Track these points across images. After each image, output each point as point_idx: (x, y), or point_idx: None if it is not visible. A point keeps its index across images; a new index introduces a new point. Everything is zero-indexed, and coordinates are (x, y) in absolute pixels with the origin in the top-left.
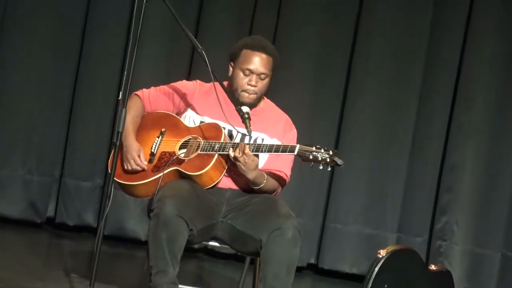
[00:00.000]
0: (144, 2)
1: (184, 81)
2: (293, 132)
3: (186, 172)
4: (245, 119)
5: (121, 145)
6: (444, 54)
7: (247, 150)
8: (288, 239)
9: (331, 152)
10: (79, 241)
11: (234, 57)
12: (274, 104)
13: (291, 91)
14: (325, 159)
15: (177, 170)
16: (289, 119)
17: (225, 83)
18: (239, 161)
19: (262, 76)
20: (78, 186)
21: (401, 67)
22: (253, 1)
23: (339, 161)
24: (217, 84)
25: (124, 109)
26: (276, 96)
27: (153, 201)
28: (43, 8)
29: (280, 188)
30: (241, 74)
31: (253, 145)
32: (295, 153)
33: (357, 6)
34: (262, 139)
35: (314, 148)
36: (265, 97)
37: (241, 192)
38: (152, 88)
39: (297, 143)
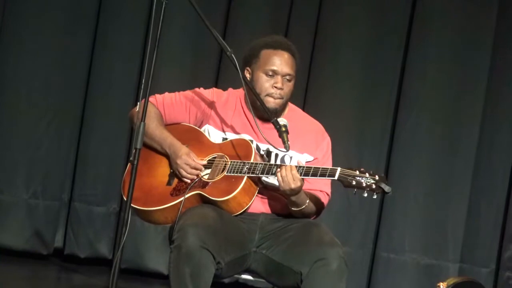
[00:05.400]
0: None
1: (201, 89)
2: (326, 142)
3: (210, 197)
4: (282, 133)
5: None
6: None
7: (294, 171)
8: (333, 270)
9: (377, 177)
10: (91, 276)
11: (251, 60)
12: (300, 110)
13: (334, 98)
14: (370, 185)
15: (200, 194)
16: (320, 126)
17: (241, 91)
18: (285, 183)
19: (288, 77)
20: (90, 212)
21: (464, 70)
22: None
23: (387, 188)
24: (239, 94)
25: (142, 123)
26: (317, 103)
27: (174, 231)
28: (49, 7)
29: (322, 210)
30: (264, 77)
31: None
32: (336, 177)
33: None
34: (291, 157)
35: (357, 172)
36: (289, 103)
37: (276, 217)
38: (167, 94)
39: (335, 162)
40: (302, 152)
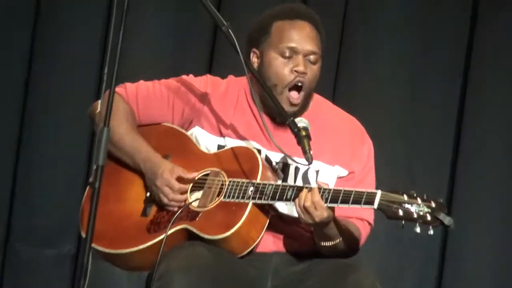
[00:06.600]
0: None
1: (191, 76)
2: (367, 148)
3: (202, 235)
4: (301, 139)
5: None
6: None
7: (317, 198)
8: None
9: (433, 204)
10: None
11: (259, 38)
12: (329, 103)
13: (372, 90)
14: (423, 216)
15: (187, 230)
16: (358, 125)
17: (245, 80)
18: (306, 215)
19: (312, 57)
20: (37, 255)
21: None
22: None
23: (447, 220)
24: (242, 83)
25: (105, 129)
26: (350, 96)
27: (153, 279)
28: None
29: (359, 246)
30: (280, 59)
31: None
32: (375, 206)
33: None
34: (317, 171)
35: (405, 197)
36: (314, 94)
37: (295, 257)
38: (141, 82)
39: (376, 182)
40: (333, 164)
